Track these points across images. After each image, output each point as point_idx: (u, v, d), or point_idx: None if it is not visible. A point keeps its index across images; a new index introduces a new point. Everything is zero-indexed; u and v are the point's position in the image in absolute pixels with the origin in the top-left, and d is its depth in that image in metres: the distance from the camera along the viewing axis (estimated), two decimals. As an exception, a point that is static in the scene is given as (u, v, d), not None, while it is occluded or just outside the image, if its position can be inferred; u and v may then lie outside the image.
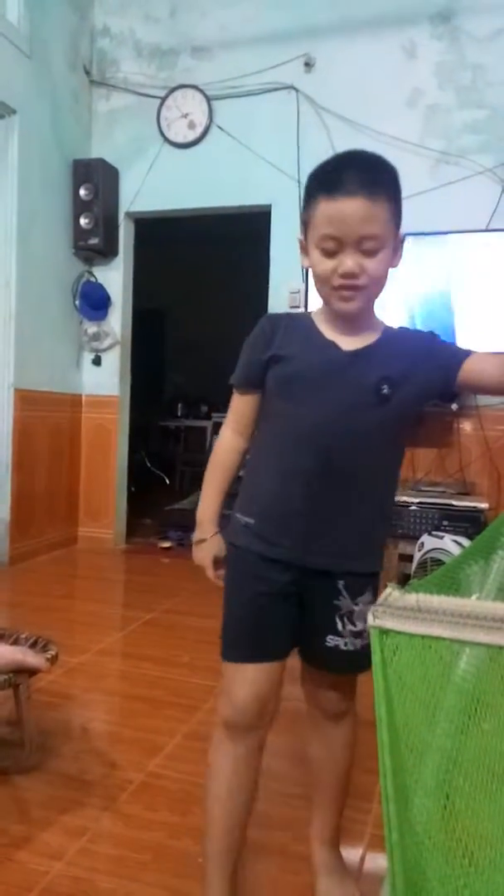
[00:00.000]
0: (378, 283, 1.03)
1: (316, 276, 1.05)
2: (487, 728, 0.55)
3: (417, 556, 2.87)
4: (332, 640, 1.08)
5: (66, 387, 4.07)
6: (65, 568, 3.68)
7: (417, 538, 2.93)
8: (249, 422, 1.15)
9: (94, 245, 3.98)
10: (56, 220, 3.88)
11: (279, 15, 3.72)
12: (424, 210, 3.42)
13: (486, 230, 3.34)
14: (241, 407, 1.15)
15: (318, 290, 1.06)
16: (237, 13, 3.82)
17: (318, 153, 3.52)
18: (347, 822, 1.45)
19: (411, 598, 0.58)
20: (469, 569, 0.86)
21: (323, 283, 1.04)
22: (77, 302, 4.09)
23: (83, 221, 3.95)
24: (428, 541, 2.84)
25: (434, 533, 2.90)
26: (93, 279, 4.15)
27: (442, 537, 2.80)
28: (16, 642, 1.68)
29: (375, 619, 0.58)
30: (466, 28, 3.46)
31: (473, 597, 0.79)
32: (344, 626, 1.08)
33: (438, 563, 2.68)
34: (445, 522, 3.14)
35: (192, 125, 3.91)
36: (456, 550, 2.62)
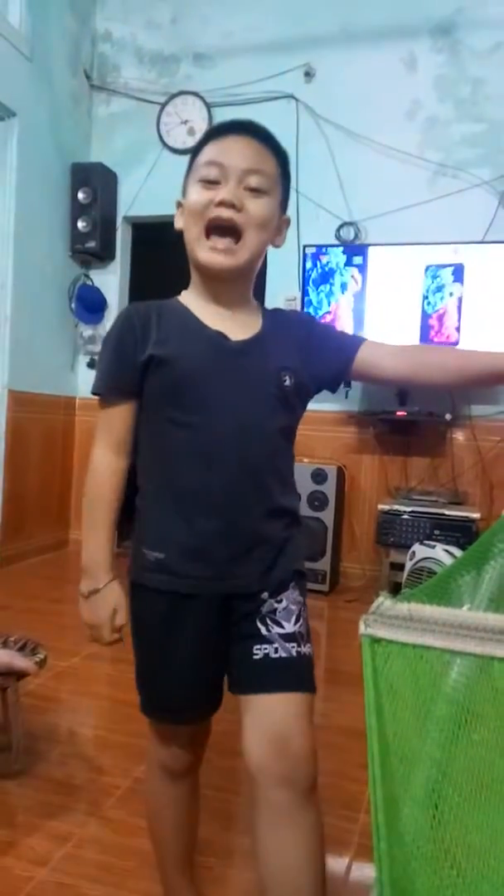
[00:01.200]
0: (258, 237, 0.90)
1: (188, 212, 0.92)
2: (477, 738, 0.55)
3: (409, 565, 2.87)
4: (259, 650, 0.91)
5: (59, 389, 4.06)
6: (56, 571, 3.66)
7: (409, 547, 2.93)
8: (126, 436, 0.96)
9: (91, 249, 3.98)
10: (54, 224, 3.88)
11: (280, 24, 3.75)
12: (422, 221, 3.45)
13: (483, 242, 3.37)
14: (112, 420, 0.96)
15: (187, 238, 0.93)
16: (239, 22, 3.84)
17: (318, 162, 3.60)
18: (335, 831, 1.45)
19: (403, 608, 0.58)
20: (461, 579, 0.86)
21: (195, 216, 0.90)
22: (73, 305, 4.09)
23: (81, 225, 3.95)
24: (419, 550, 2.84)
25: (426, 542, 2.90)
26: (89, 283, 4.15)
27: (433, 547, 2.80)
28: (4, 645, 1.67)
29: (367, 627, 0.58)
30: (467, 41, 3.50)
31: (465, 607, 0.79)
32: (269, 630, 0.91)
33: (430, 572, 2.69)
34: (437, 532, 3.15)
35: (191, 132, 3.93)
36: (447, 560, 2.62)
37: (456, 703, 0.56)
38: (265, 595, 0.93)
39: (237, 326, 0.95)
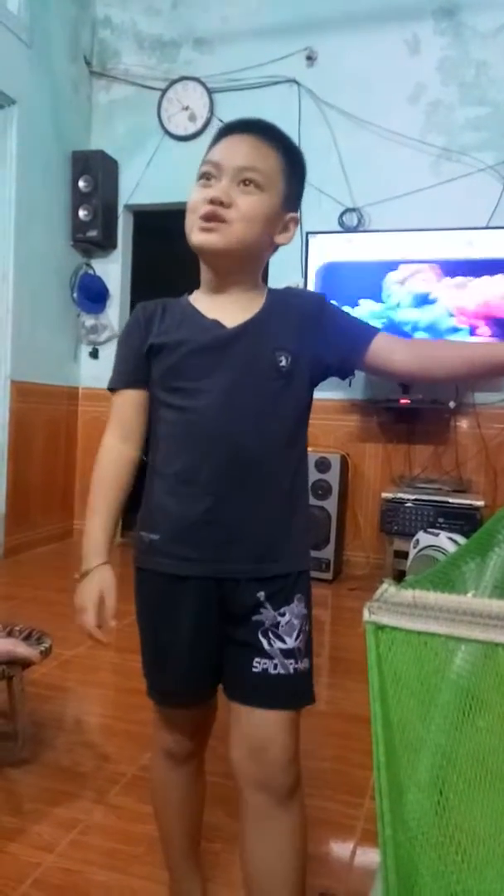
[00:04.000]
0: (246, 228, 0.91)
1: (187, 213, 0.94)
2: (482, 725, 0.55)
3: (413, 553, 2.87)
4: (259, 664, 0.90)
5: (62, 379, 4.06)
6: (60, 561, 3.68)
7: (413, 535, 2.93)
8: (136, 425, 0.99)
9: (92, 237, 3.96)
10: (55, 212, 3.86)
11: (281, 8, 3.71)
12: (426, 206, 3.42)
13: (487, 227, 3.34)
14: (123, 409, 0.99)
15: (186, 229, 0.95)
16: (239, 6, 3.80)
17: (320, 148, 3.57)
18: (339, 817, 1.46)
19: (407, 595, 0.58)
20: (465, 566, 0.86)
21: (190, 213, 0.93)
22: (75, 294, 4.07)
23: (82, 213, 3.93)
24: (423, 538, 2.84)
25: (430, 530, 2.90)
26: (91, 272, 4.13)
27: (437, 534, 2.80)
28: (10, 634, 1.67)
29: (371, 614, 0.58)
30: (470, 23, 3.45)
31: (469, 594, 0.79)
32: (271, 644, 0.91)
33: (433, 560, 2.68)
34: (441, 520, 3.15)
35: (192, 118, 3.90)
36: (451, 548, 2.62)
37: (460, 690, 0.56)
38: (262, 596, 0.91)
39: (236, 312, 0.95)
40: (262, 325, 0.95)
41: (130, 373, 0.99)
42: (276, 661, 0.91)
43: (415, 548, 2.87)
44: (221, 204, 0.90)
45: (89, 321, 4.12)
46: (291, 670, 0.91)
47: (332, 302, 1.01)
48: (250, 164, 0.91)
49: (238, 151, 0.92)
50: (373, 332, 0.97)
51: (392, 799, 0.48)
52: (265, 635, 0.91)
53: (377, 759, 0.50)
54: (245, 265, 0.96)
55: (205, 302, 0.98)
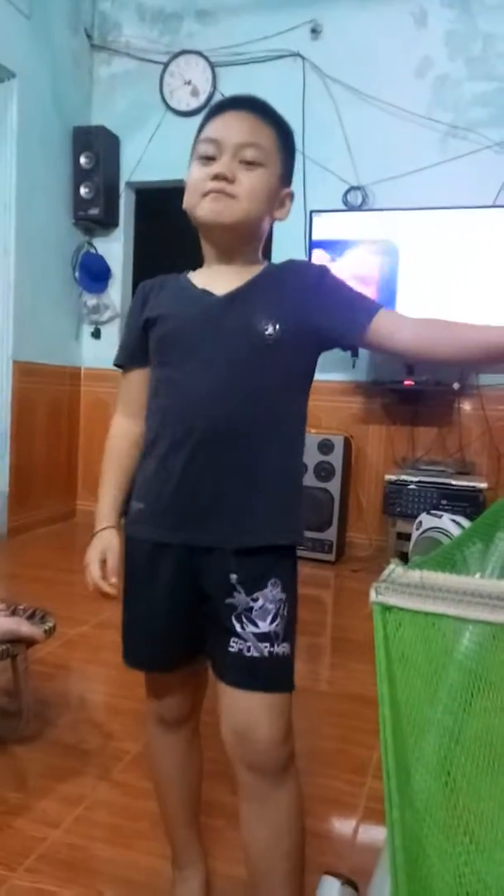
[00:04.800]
0: (251, 203, 0.92)
1: (187, 189, 0.95)
2: (489, 706, 0.55)
3: (415, 534, 2.87)
4: (234, 644, 0.91)
5: (64, 359, 4.04)
6: (63, 541, 3.69)
7: (416, 517, 2.92)
8: (140, 401, 1.02)
9: (94, 215, 3.91)
10: (56, 189, 3.81)
11: (286, -21, 3.62)
12: (431, 184, 3.37)
13: (494, 206, 3.29)
14: (127, 386, 1.05)
15: (187, 207, 0.95)
16: (243, -24, 3.71)
17: (324, 123, 3.51)
18: (343, 796, 1.47)
19: (415, 575, 0.57)
20: (469, 549, 0.85)
21: (192, 192, 0.94)
22: (76, 273, 4.04)
23: (83, 191, 3.88)
24: (426, 520, 2.83)
25: (433, 512, 2.89)
26: (93, 250, 4.09)
27: (440, 516, 2.79)
28: (14, 613, 1.68)
29: (378, 595, 0.58)
30: (479, -5, 3.37)
31: (476, 575, 0.78)
32: (244, 628, 0.90)
33: (437, 542, 2.69)
34: (444, 502, 3.15)
35: (195, 92, 3.83)
36: (454, 530, 2.62)
37: (468, 671, 0.56)
38: (234, 579, 0.90)
39: (229, 282, 0.95)
40: (250, 293, 0.94)
41: (132, 349, 1.03)
42: (249, 643, 0.90)
43: (417, 529, 2.87)
44: (226, 180, 0.91)
45: (91, 301, 4.09)
46: (266, 653, 0.90)
47: (335, 275, 0.98)
48: (251, 141, 0.92)
49: (237, 128, 0.93)
50: (375, 308, 0.94)
51: (399, 780, 0.48)
52: (238, 619, 0.91)
53: (384, 740, 0.50)
54: (247, 240, 0.97)
55: (203, 276, 0.99)
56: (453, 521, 2.74)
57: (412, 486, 3.24)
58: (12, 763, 1.56)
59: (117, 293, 4.12)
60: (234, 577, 0.90)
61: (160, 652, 1.01)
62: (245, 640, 0.90)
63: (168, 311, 0.97)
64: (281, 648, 0.92)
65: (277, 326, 0.91)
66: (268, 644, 0.91)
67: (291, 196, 1.00)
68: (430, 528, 2.80)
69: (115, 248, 4.11)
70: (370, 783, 1.50)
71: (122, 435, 1.05)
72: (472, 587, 0.57)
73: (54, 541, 3.69)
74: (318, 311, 0.94)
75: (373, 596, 0.58)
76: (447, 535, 2.62)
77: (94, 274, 4.05)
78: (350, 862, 1.25)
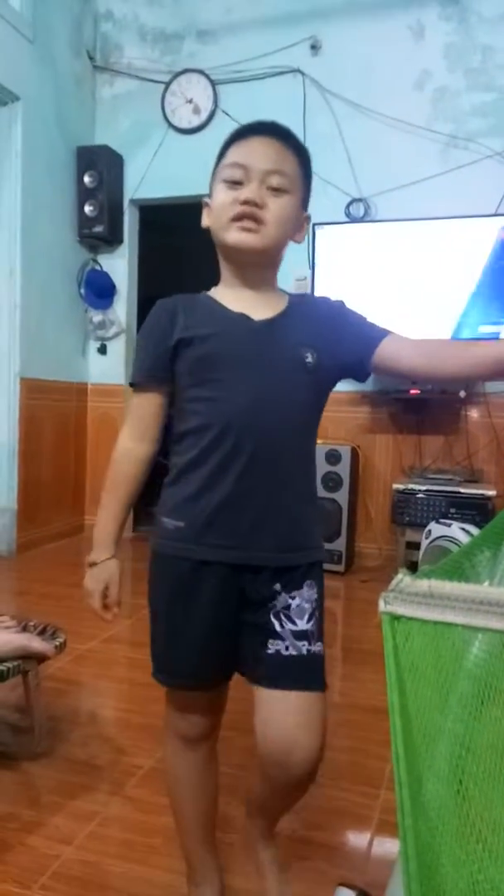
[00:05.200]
0: (279, 229, 0.95)
1: (214, 212, 0.98)
2: (499, 714, 0.55)
3: (424, 543, 2.86)
4: (272, 645, 0.94)
5: (71, 375, 4.07)
6: (72, 556, 3.70)
7: (424, 526, 2.92)
8: (153, 423, 1.02)
9: (98, 233, 3.96)
10: (60, 208, 3.86)
11: (285, -3, 3.67)
12: (433, 195, 3.40)
13: (496, 215, 3.31)
14: (143, 407, 1.03)
15: (214, 231, 0.98)
16: (242, -5, 3.77)
17: (325, 137, 3.54)
18: (356, 808, 1.46)
19: (423, 584, 0.58)
20: (477, 557, 0.85)
21: (220, 215, 0.97)
22: (82, 290, 4.08)
23: (87, 209, 3.93)
24: (435, 528, 2.83)
25: (441, 521, 2.89)
26: (98, 267, 4.14)
27: (449, 525, 2.79)
28: (25, 630, 1.69)
29: (387, 604, 0.58)
30: (475, 8, 3.41)
31: (484, 584, 0.78)
32: (282, 626, 0.94)
33: (446, 551, 2.68)
34: (453, 510, 3.14)
35: (196, 110, 3.88)
36: (463, 538, 2.61)
37: (478, 680, 0.56)
38: (278, 587, 0.95)
39: (261, 308, 0.99)
40: (289, 322, 0.99)
41: (153, 369, 1.01)
42: (287, 642, 0.94)
43: (427, 538, 2.86)
44: (256, 205, 0.94)
45: (97, 317, 4.12)
46: (304, 651, 0.94)
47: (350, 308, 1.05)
48: (277, 168, 0.95)
49: (264, 154, 0.96)
50: (382, 333, 1.00)
51: (411, 789, 0.48)
52: (277, 617, 0.95)
53: (395, 750, 0.50)
54: (270, 263, 1.01)
55: (230, 298, 1.01)
56: (462, 529, 2.73)
57: (420, 495, 3.23)
58: (25, 779, 1.55)
59: (122, 309, 4.16)
60: (277, 585, 0.96)
61: (204, 668, 1.01)
62: (283, 640, 0.94)
63: (208, 331, 0.97)
64: (316, 647, 0.97)
65: (315, 355, 0.97)
66: (305, 642, 0.95)
67: (309, 219, 1.04)
68: (439, 536, 2.79)
69: (120, 265, 4.15)
70: (384, 795, 1.49)
71: (132, 458, 1.03)
72: (481, 596, 0.57)
73: (63, 556, 3.70)
74: (340, 343, 0.99)
75: (381, 606, 0.58)
76: (457, 544, 2.61)
77: (99, 290, 4.09)
78: (365, 874, 1.24)
